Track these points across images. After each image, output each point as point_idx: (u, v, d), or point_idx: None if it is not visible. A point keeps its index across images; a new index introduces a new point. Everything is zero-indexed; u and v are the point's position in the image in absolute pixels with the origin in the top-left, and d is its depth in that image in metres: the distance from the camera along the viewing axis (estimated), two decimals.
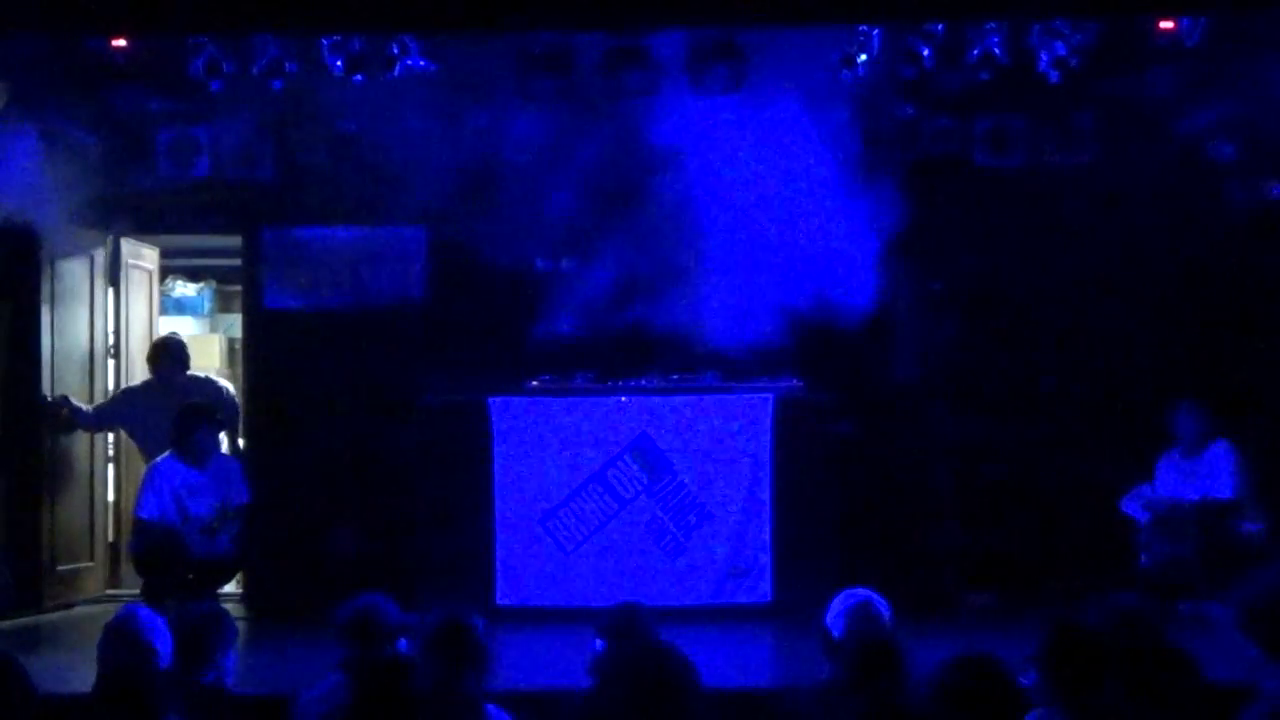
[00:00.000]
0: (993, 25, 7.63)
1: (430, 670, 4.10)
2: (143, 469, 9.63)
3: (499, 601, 7.92)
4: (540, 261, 8.99)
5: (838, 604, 5.07)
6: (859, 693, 4.11)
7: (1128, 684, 3.79)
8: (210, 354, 11.21)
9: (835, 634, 4.97)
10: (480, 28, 7.33)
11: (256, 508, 8.06)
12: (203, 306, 11.74)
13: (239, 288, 9.99)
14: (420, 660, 4.24)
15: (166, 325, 10.69)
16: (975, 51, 7.74)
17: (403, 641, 4.50)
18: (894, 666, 4.18)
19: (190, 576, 7.59)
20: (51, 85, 8.05)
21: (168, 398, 8.33)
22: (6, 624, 7.94)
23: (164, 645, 4.37)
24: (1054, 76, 7.70)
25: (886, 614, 5.02)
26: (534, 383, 8.36)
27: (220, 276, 11.57)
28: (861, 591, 5.10)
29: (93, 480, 9.01)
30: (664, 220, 8.54)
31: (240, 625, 7.61)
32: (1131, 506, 8.09)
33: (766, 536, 8.06)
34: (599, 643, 4.75)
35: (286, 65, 7.75)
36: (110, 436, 9.25)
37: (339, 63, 7.69)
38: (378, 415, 8.62)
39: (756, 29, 7.72)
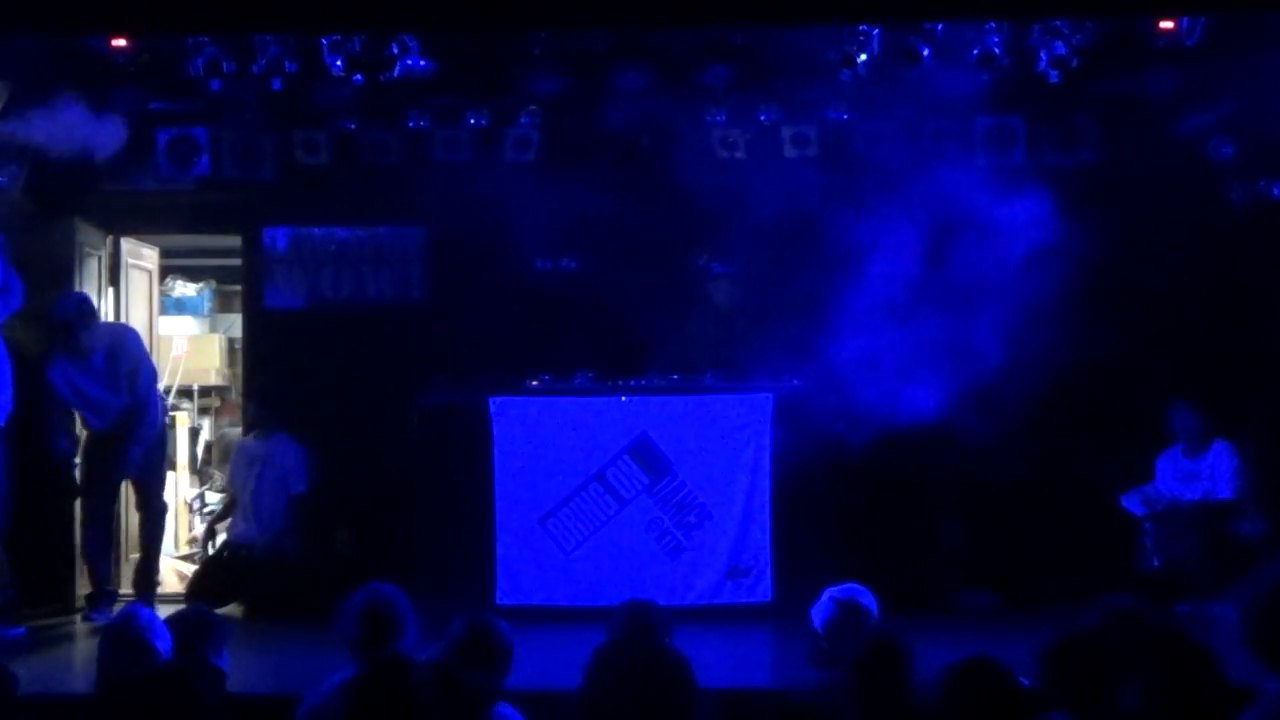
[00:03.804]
0: (992, 25, 7.63)
1: (454, 672, 4.08)
2: None
3: (499, 601, 7.90)
4: (540, 261, 8.99)
5: (824, 599, 5.06)
6: (863, 693, 4.09)
7: (1146, 685, 3.76)
8: (210, 354, 11.22)
9: (818, 627, 4.96)
10: (480, 28, 7.33)
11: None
12: (203, 306, 11.75)
13: (239, 288, 9.99)
14: (445, 663, 4.22)
15: (166, 325, 10.69)
16: (975, 51, 7.74)
17: (411, 634, 4.47)
18: (901, 666, 4.16)
19: None
20: (51, 85, 8.04)
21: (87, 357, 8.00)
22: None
23: (164, 645, 4.37)
24: (1054, 76, 7.71)
25: (874, 609, 5.00)
26: (534, 383, 8.35)
27: (220, 276, 11.57)
28: (848, 587, 5.09)
29: None
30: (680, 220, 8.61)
31: (238, 626, 7.67)
32: (1131, 502, 8.10)
33: (766, 536, 8.05)
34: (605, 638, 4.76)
35: (286, 65, 7.75)
36: None
37: (339, 63, 7.69)
38: (378, 415, 8.62)
39: (756, 29, 7.72)
